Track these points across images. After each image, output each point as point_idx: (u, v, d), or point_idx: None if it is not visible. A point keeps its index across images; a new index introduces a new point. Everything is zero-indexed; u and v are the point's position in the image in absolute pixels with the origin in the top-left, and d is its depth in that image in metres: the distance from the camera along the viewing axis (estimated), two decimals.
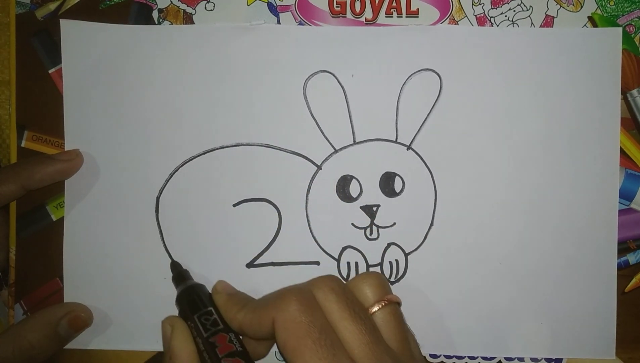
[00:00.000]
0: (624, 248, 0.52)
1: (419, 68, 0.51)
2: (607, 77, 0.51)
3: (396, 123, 0.51)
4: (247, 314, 0.42)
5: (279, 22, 0.52)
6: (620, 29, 0.51)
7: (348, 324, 0.38)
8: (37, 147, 0.53)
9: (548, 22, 0.52)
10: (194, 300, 0.46)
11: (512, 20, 0.52)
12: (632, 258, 0.52)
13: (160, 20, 0.53)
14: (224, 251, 0.52)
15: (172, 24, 0.53)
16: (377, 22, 0.52)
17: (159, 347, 0.52)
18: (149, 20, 0.53)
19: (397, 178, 0.51)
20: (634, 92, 0.52)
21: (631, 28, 0.52)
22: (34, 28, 0.53)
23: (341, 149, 0.52)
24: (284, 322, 0.38)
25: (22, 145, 0.54)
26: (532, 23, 0.52)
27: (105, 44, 0.52)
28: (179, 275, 0.50)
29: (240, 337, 0.43)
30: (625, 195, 0.52)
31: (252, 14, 0.52)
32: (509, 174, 0.51)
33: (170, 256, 0.52)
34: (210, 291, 0.48)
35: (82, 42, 0.52)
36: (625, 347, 0.52)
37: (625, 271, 0.52)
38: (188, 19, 0.53)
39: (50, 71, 0.53)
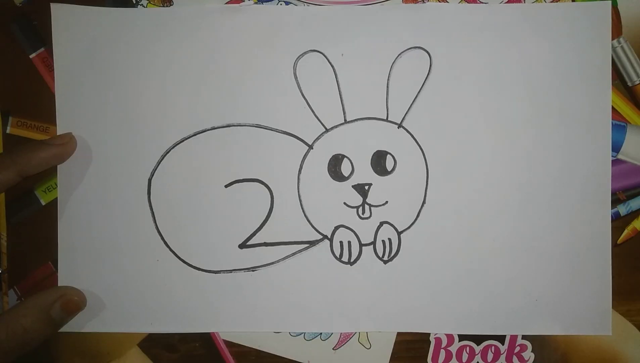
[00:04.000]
0: (614, 199, 0.52)
1: (409, 46, 0.51)
2: (597, 50, 0.51)
3: (387, 102, 0.51)
4: None
5: None
6: (609, 2, 0.51)
7: None
8: (23, 133, 0.53)
9: None
10: None
11: None
12: (622, 209, 0.52)
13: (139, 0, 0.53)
14: (216, 232, 0.52)
15: (150, 2, 0.52)
16: None
17: (153, 329, 0.53)
18: (127, 2, 0.53)
19: (388, 156, 0.51)
20: (614, 42, 0.52)
21: None
22: (13, 14, 0.53)
23: (332, 128, 0.52)
24: None
25: (8, 131, 0.53)
26: None
27: (96, 27, 0.52)
28: None
29: None
30: (612, 146, 0.52)
31: None
32: (500, 150, 0.51)
33: (162, 237, 0.52)
34: None
35: (72, 25, 0.52)
36: (621, 299, 0.52)
37: (617, 223, 0.52)
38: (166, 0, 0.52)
39: (31, 56, 0.53)
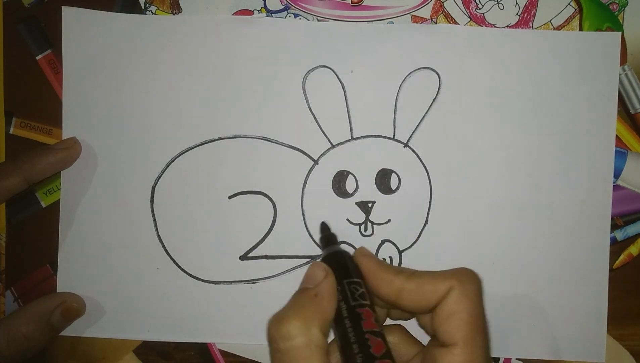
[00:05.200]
0: (611, 224, 0.52)
1: (419, 66, 0.51)
2: (604, 79, 0.52)
3: (394, 120, 0.52)
4: (409, 279, 0.39)
5: (265, 6, 0.52)
6: (619, 33, 0.52)
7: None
8: (26, 134, 0.53)
9: (533, 1, 0.52)
10: (344, 266, 0.42)
11: (496, 0, 0.52)
12: (619, 235, 0.53)
13: (147, 5, 0.52)
14: (217, 242, 0.52)
15: (158, 9, 0.52)
16: (363, 3, 0.52)
17: (150, 337, 0.52)
18: (135, 6, 0.52)
19: (393, 175, 0.52)
20: (619, 70, 0.52)
21: (615, 6, 0.52)
22: (21, 15, 0.53)
23: (338, 144, 0.52)
24: (468, 293, 0.37)
25: (11, 132, 0.53)
26: (516, 3, 0.52)
27: (106, 32, 0.52)
28: (328, 237, 0.47)
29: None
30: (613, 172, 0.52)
31: None
32: (504, 175, 0.52)
33: (163, 246, 0.52)
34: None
35: (82, 29, 0.52)
36: (616, 323, 0.53)
37: (613, 248, 0.53)
38: (175, 5, 0.52)
39: (37, 58, 0.53)
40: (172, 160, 0.52)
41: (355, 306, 0.38)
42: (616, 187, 0.52)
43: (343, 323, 0.38)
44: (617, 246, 0.53)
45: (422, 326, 0.42)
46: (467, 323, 0.37)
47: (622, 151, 0.52)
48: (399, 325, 0.43)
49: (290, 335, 0.35)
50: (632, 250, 0.53)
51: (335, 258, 0.43)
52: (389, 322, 0.45)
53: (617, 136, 0.52)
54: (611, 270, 0.52)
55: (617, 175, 0.52)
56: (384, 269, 0.40)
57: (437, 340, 0.38)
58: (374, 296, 0.41)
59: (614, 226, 0.53)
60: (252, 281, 0.52)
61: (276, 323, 0.36)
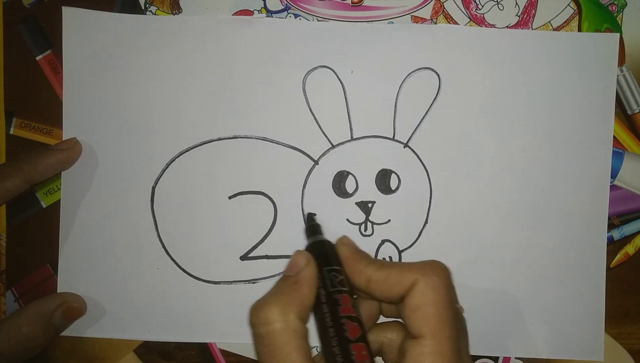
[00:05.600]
0: (608, 224, 0.53)
1: (419, 67, 0.52)
2: (602, 80, 0.52)
3: (394, 121, 0.52)
4: (379, 270, 0.40)
5: (265, 6, 0.52)
6: (618, 35, 0.52)
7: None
8: (26, 134, 0.53)
9: (532, 2, 0.52)
10: (325, 254, 0.43)
11: (496, 1, 0.52)
12: (616, 234, 0.53)
13: (147, 5, 0.52)
14: (218, 242, 0.52)
15: (158, 9, 0.52)
16: (363, 4, 0.52)
17: (150, 337, 0.53)
18: (135, 6, 0.52)
19: (393, 175, 0.52)
20: (617, 71, 0.53)
21: (614, 7, 0.53)
22: (21, 15, 0.53)
23: (338, 144, 0.52)
24: (432, 285, 0.38)
25: (11, 132, 0.53)
26: (516, 3, 0.52)
27: (106, 32, 0.52)
28: (313, 227, 0.47)
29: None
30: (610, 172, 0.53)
31: None
32: (503, 175, 0.52)
33: (163, 246, 0.52)
34: None
35: (83, 29, 0.52)
36: (613, 322, 0.53)
37: (610, 247, 0.53)
38: (175, 5, 0.52)
39: (37, 58, 0.53)
40: (173, 160, 0.52)
41: (333, 292, 0.39)
42: (613, 187, 0.53)
43: (321, 309, 0.39)
44: (614, 246, 0.53)
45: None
46: (433, 315, 0.37)
47: (619, 152, 0.53)
48: (398, 321, 0.43)
49: (268, 320, 0.37)
50: (629, 249, 0.54)
51: (318, 247, 0.44)
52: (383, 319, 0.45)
53: (614, 137, 0.52)
54: (608, 269, 0.53)
55: (614, 175, 0.53)
56: (358, 258, 0.42)
57: (407, 332, 0.39)
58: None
59: (611, 226, 0.53)
60: (253, 281, 0.52)
61: (256, 310, 0.37)
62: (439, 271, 0.39)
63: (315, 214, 0.49)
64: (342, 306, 0.39)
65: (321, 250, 0.43)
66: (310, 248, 0.45)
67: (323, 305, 0.39)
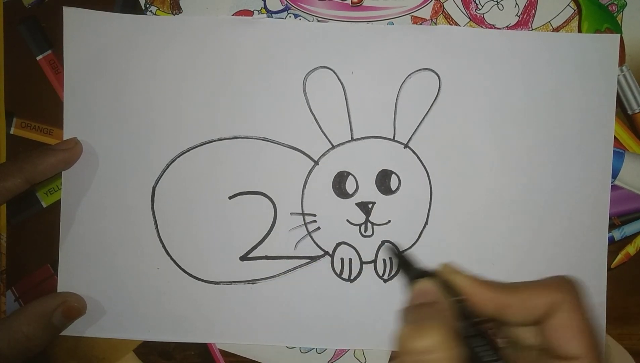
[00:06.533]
0: (609, 224, 0.53)
1: (419, 68, 0.52)
2: (603, 81, 0.52)
3: (394, 121, 0.52)
4: (511, 294, 0.38)
5: (265, 6, 0.52)
6: (618, 35, 0.52)
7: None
8: (27, 134, 0.53)
9: (532, 2, 0.52)
10: (445, 285, 0.40)
11: (496, 1, 0.52)
12: (617, 234, 0.53)
13: (148, 5, 0.52)
14: (218, 243, 0.52)
15: (159, 9, 0.52)
16: (363, 4, 0.52)
17: (150, 337, 0.53)
18: (136, 6, 0.52)
19: (393, 175, 0.52)
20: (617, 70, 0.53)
21: (613, 7, 0.53)
22: (21, 15, 0.53)
23: (339, 145, 0.52)
24: (577, 304, 0.37)
25: (11, 132, 0.53)
26: (516, 3, 0.52)
27: (106, 32, 0.52)
28: (406, 259, 0.44)
29: None
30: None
31: None
32: (504, 176, 0.52)
33: (163, 246, 0.52)
34: None
35: (83, 30, 0.52)
36: (615, 322, 0.53)
37: (611, 248, 0.53)
38: (175, 5, 0.52)
39: (38, 58, 0.53)
40: (173, 160, 0.52)
41: (476, 323, 0.38)
42: (614, 187, 0.53)
43: (469, 342, 0.36)
44: (614, 246, 0.53)
45: (515, 335, 0.41)
46: (585, 336, 0.36)
47: (619, 152, 0.53)
48: None
49: (433, 349, 0.33)
50: (630, 249, 0.54)
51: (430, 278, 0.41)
52: None
53: (614, 137, 0.52)
54: (609, 269, 0.53)
55: (614, 175, 0.53)
56: (482, 285, 0.39)
57: (550, 353, 0.37)
58: None
59: (612, 226, 0.53)
60: (252, 281, 0.52)
61: (415, 335, 0.34)
62: (579, 287, 0.38)
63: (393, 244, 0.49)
64: (493, 339, 0.38)
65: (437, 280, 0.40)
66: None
67: (471, 339, 0.37)
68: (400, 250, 0.52)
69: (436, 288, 0.38)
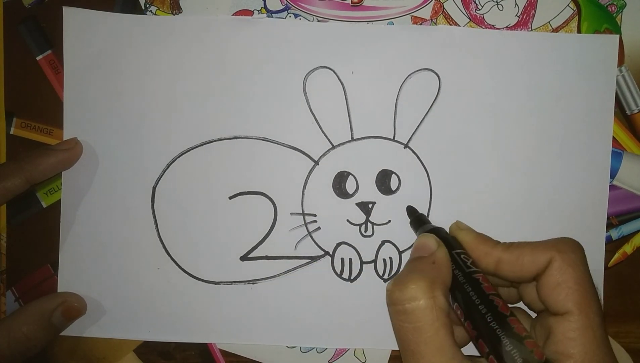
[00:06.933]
0: (607, 223, 0.53)
1: (419, 68, 0.52)
2: (602, 81, 0.52)
3: (394, 121, 0.52)
4: (508, 250, 0.41)
5: (265, 6, 0.52)
6: (617, 36, 0.52)
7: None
8: (27, 134, 0.53)
9: (532, 2, 0.52)
10: (446, 239, 0.44)
11: (496, 1, 0.52)
12: (614, 234, 0.54)
13: (147, 5, 0.52)
14: (218, 243, 0.52)
15: (159, 9, 0.52)
16: (364, 4, 0.52)
17: (150, 337, 0.53)
18: (135, 6, 0.52)
19: (393, 175, 0.52)
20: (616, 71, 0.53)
21: (613, 8, 0.53)
22: (21, 15, 0.53)
23: (339, 145, 0.52)
24: (571, 262, 0.38)
25: (11, 132, 0.53)
26: (515, 3, 0.52)
27: (106, 32, 0.52)
28: (420, 218, 0.49)
29: None
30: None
31: None
32: (503, 175, 0.52)
33: (164, 246, 0.52)
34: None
35: (83, 30, 0.52)
36: (611, 321, 0.53)
37: (608, 247, 0.53)
38: (175, 5, 0.52)
39: (38, 58, 0.53)
40: (173, 160, 0.52)
41: (471, 273, 0.40)
42: (612, 187, 0.53)
43: (463, 289, 0.39)
44: (612, 245, 0.54)
45: (527, 303, 0.43)
46: (576, 291, 0.38)
47: (618, 152, 0.53)
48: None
49: (415, 297, 0.36)
50: (627, 248, 0.54)
51: (436, 233, 0.44)
52: None
53: (613, 137, 0.53)
54: (606, 268, 0.53)
55: (612, 175, 0.53)
56: (482, 241, 0.42)
57: (548, 311, 0.39)
58: None
59: (610, 226, 0.53)
60: (253, 281, 0.52)
61: (400, 285, 0.37)
62: (575, 248, 0.39)
63: (414, 207, 0.51)
64: (485, 285, 0.39)
65: (442, 235, 0.44)
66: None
67: (464, 285, 0.39)
68: (401, 250, 0.52)
69: (435, 242, 0.42)
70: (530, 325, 0.42)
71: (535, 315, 0.43)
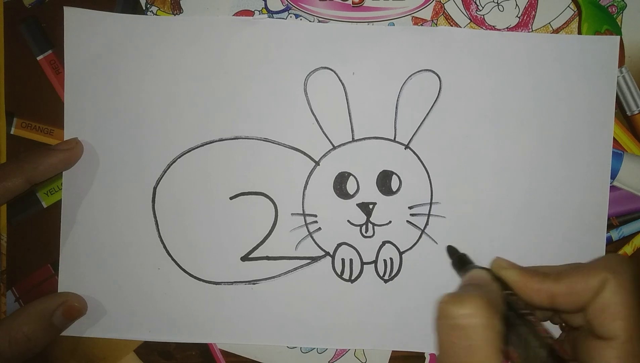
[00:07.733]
0: (607, 224, 0.53)
1: (419, 69, 0.52)
2: (602, 82, 0.52)
3: (395, 122, 0.52)
4: (559, 282, 0.38)
5: (266, 6, 0.52)
6: (618, 37, 0.52)
7: None
8: (27, 134, 0.53)
9: (532, 3, 0.52)
10: (496, 280, 0.40)
11: (496, 2, 0.52)
12: (615, 235, 0.54)
13: (148, 5, 0.52)
14: (219, 243, 0.52)
15: (159, 9, 0.52)
16: (364, 4, 0.52)
17: (150, 337, 0.53)
18: (136, 6, 0.52)
19: (394, 176, 0.52)
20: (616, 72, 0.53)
21: (613, 9, 0.53)
22: (22, 15, 0.53)
23: (339, 146, 0.52)
24: (624, 284, 0.36)
25: (12, 132, 0.53)
26: (516, 4, 0.52)
27: (107, 32, 0.52)
28: (462, 258, 0.46)
29: None
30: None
31: None
32: (504, 176, 0.52)
33: (164, 246, 0.52)
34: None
35: (84, 30, 0.52)
36: None
37: (609, 247, 0.53)
38: (176, 5, 0.52)
39: (38, 58, 0.53)
40: (174, 161, 0.52)
41: (524, 314, 0.37)
42: (612, 188, 0.53)
43: (517, 330, 0.37)
44: (612, 246, 0.54)
45: (564, 319, 0.41)
46: (627, 317, 0.36)
47: (618, 153, 0.53)
48: None
49: (473, 314, 0.33)
50: (627, 249, 0.54)
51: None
52: None
53: (613, 138, 0.53)
54: None
55: (613, 176, 0.53)
56: (530, 277, 0.39)
57: (591, 332, 0.37)
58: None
59: (610, 226, 0.53)
60: (253, 282, 0.52)
61: (457, 298, 0.34)
62: (627, 267, 0.37)
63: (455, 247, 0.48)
64: (539, 327, 0.37)
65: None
66: None
67: (519, 327, 0.37)
68: (401, 250, 0.52)
69: (489, 277, 0.39)
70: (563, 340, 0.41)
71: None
